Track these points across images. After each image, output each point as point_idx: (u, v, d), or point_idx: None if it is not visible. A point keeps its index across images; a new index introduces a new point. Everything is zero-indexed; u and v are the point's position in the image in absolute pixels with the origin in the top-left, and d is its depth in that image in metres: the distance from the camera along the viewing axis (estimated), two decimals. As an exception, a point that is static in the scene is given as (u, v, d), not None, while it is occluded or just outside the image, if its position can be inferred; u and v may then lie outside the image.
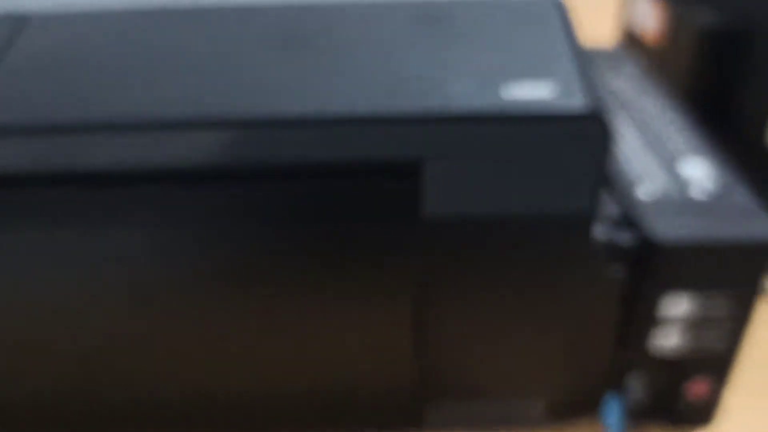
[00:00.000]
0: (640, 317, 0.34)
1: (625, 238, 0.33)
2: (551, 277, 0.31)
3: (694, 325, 0.34)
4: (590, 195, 0.28)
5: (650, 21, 0.72)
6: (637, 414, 0.38)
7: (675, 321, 0.34)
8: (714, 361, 0.36)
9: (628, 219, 0.34)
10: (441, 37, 0.29)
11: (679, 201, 0.34)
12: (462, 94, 0.27)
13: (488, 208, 0.29)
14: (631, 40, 0.77)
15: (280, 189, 0.29)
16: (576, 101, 0.26)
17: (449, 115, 0.26)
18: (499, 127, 0.26)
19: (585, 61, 0.28)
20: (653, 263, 0.32)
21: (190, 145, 0.27)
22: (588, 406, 0.39)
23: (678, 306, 0.34)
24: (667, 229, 0.32)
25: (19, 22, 0.32)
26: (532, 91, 0.27)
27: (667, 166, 0.37)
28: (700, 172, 0.36)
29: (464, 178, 0.28)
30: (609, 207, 0.35)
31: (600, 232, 0.33)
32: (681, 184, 0.36)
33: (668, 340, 0.35)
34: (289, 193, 0.29)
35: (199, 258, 0.30)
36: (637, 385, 0.37)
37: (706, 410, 0.38)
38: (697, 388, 0.37)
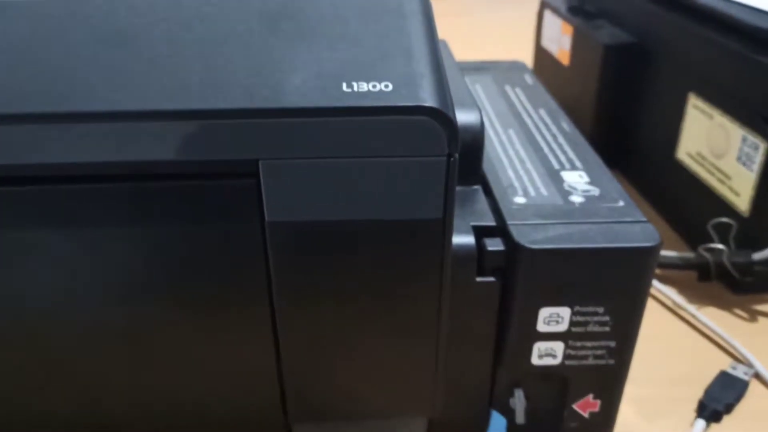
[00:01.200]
0: (518, 332, 0.32)
1: (494, 244, 0.31)
2: (412, 286, 0.29)
3: (577, 338, 0.33)
4: (441, 198, 0.26)
5: (559, 41, 0.72)
6: (523, 435, 0.36)
7: (555, 335, 0.33)
8: (602, 377, 0.34)
9: (501, 226, 0.32)
10: (286, 33, 0.27)
11: (556, 208, 0.33)
12: (297, 90, 0.25)
13: (334, 214, 0.27)
14: (544, 60, 0.77)
15: (113, 190, 0.26)
16: (414, 95, 0.24)
17: (281, 111, 0.24)
18: (335, 122, 0.24)
19: (435, 58, 0.26)
20: (523, 270, 0.31)
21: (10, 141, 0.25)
22: (470, 426, 0.37)
23: (557, 318, 0.32)
24: (537, 234, 0.31)
25: None
26: (371, 87, 0.25)
27: (550, 176, 0.36)
28: (582, 184, 0.35)
29: (304, 181, 0.26)
30: (483, 215, 0.33)
31: (469, 239, 0.31)
32: (562, 192, 0.34)
33: (551, 355, 0.33)
34: (126, 194, 0.26)
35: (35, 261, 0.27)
36: (520, 404, 0.35)
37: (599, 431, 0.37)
38: (586, 406, 0.35)
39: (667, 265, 0.49)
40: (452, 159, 0.25)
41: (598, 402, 0.34)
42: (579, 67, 0.66)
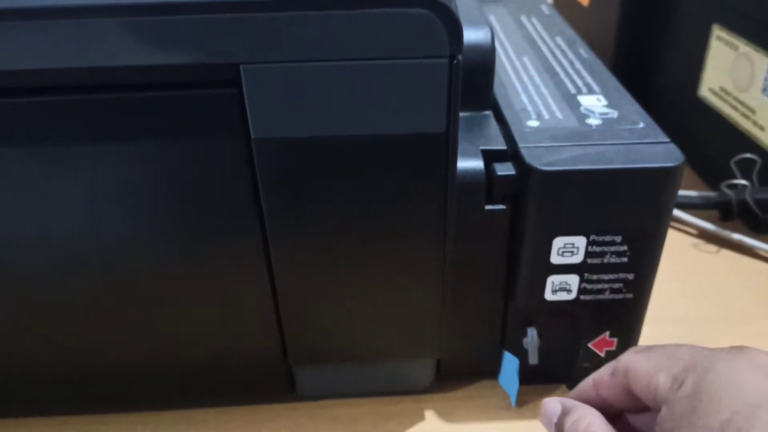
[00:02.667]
0: (531, 264, 0.30)
1: (504, 168, 0.29)
2: (414, 212, 0.27)
3: (593, 270, 0.30)
4: (443, 108, 0.24)
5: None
6: (536, 374, 0.34)
7: (570, 267, 0.30)
8: (620, 313, 0.32)
9: (513, 150, 0.30)
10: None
11: (572, 131, 0.30)
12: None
13: (327, 129, 0.25)
14: (562, 1, 0.74)
15: (77, 103, 0.24)
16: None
17: (262, 3, 0.22)
18: (324, 16, 0.22)
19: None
20: (535, 195, 0.28)
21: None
22: (481, 367, 0.35)
23: (571, 249, 0.30)
24: (551, 157, 0.28)
25: None
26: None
27: (565, 100, 0.33)
28: (600, 107, 0.33)
29: (292, 89, 0.23)
30: (494, 139, 0.31)
31: (478, 163, 0.29)
32: (578, 115, 0.32)
33: (565, 289, 0.31)
34: (93, 107, 0.24)
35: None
36: (533, 344, 0.33)
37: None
38: (602, 345, 0.33)
39: (688, 204, 0.47)
40: (455, 61, 0.22)
41: (615, 340, 0.32)
42: (599, 7, 0.63)
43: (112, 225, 0.26)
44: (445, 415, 0.33)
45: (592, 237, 0.29)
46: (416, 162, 0.25)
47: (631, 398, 0.25)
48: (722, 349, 0.23)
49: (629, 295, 0.31)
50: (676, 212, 0.47)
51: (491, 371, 0.34)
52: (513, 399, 0.33)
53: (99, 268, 0.28)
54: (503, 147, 0.29)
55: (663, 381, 0.23)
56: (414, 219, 0.27)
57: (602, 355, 0.33)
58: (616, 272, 0.30)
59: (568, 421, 0.26)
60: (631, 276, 0.30)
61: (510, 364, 0.33)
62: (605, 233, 0.29)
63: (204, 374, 0.33)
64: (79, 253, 0.27)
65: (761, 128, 0.44)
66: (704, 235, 0.47)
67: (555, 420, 0.27)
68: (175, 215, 0.26)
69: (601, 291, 0.31)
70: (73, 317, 0.29)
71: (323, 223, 0.27)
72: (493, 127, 0.31)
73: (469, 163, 0.28)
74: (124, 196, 0.26)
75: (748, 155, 0.44)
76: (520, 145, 0.29)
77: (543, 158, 0.28)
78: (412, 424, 0.33)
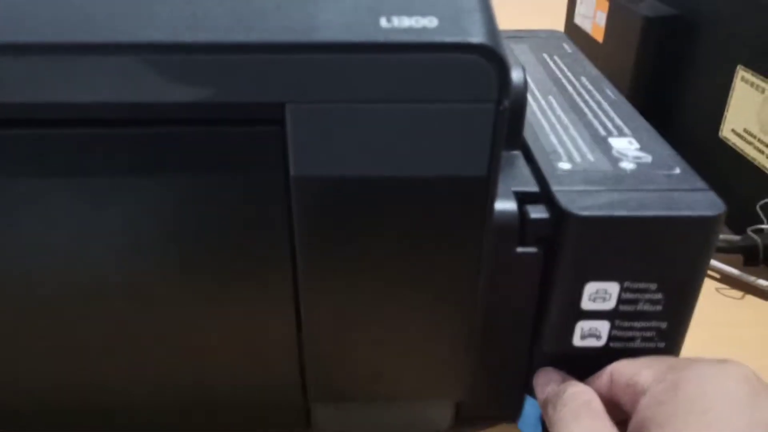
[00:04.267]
0: (561, 308, 0.30)
1: (538, 211, 0.28)
2: (448, 253, 0.27)
3: (625, 318, 0.30)
4: (486, 152, 0.23)
5: (594, 18, 0.69)
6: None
7: (601, 313, 0.30)
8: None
9: (546, 193, 0.29)
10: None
11: (606, 175, 0.30)
12: (329, 24, 0.22)
13: (367, 169, 0.24)
14: (576, 37, 0.74)
15: (122, 136, 0.24)
16: (463, 30, 0.21)
17: (311, 46, 0.22)
18: (372, 60, 0.22)
19: (484, 4, 0.23)
20: (569, 239, 0.28)
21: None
22: (502, 410, 0.34)
23: (603, 294, 0.29)
24: (585, 201, 0.28)
25: None
26: (414, 22, 0.22)
27: (596, 142, 0.33)
28: (633, 150, 0.32)
29: (335, 129, 0.23)
30: (525, 180, 0.30)
31: (511, 205, 0.29)
32: (611, 159, 0.31)
33: (594, 335, 0.30)
34: (137, 141, 0.24)
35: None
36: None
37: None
38: None
39: (711, 248, 0.46)
40: (502, 106, 0.22)
41: (644, 388, 0.31)
42: (615, 43, 0.63)
43: (145, 257, 0.26)
44: (464, 460, 0.33)
45: (626, 284, 0.28)
46: (455, 204, 0.24)
47: (613, 408, 0.27)
48: (705, 358, 0.25)
49: (661, 345, 0.30)
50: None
51: (513, 416, 0.34)
52: (536, 446, 0.32)
53: (127, 299, 0.27)
54: (536, 189, 0.29)
55: (645, 376, 0.25)
56: (448, 260, 0.26)
57: (629, 403, 0.32)
58: (649, 320, 0.29)
59: (569, 390, 0.27)
60: (664, 325, 0.29)
61: (533, 409, 0.32)
62: (640, 280, 0.28)
63: (220, 408, 0.32)
64: (109, 284, 0.26)
65: (788, 173, 0.44)
66: (728, 280, 0.46)
67: (551, 387, 0.26)
68: (207, 248, 0.26)
69: (632, 339, 0.30)
70: (96, 346, 0.29)
71: (355, 263, 0.26)
72: (524, 167, 0.31)
73: (502, 205, 0.28)
74: (158, 229, 0.25)
75: (774, 200, 0.43)
76: (554, 188, 0.28)
77: (578, 202, 0.27)
78: (431, 468, 0.32)
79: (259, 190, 0.24)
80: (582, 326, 0.29)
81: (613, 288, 0.28)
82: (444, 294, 0.27)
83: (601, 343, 0.30)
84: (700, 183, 0.28)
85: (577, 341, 0.30)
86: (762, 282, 0.44)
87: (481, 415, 0.34)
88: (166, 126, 0.23)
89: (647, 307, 0.29)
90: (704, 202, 0.27)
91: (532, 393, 0.32)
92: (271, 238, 0.26)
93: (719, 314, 0.42)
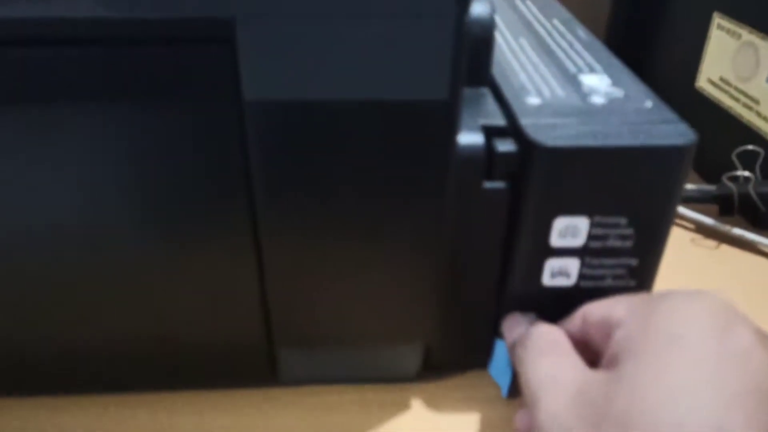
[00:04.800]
0: (529, 246, 0.29)
1: (505, 144, 0.27)
2: (411, 187, 0.26)
3: (595, 255, 0.29)
4: (446, 72, 0.22)
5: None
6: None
7: (570, 250, 0.29)
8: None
9: (514, 126, 0.28)
10: None
11: (576, 109, 0.29)
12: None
13: (324, 92, 0.23)
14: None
15: (58, 55, 0.22)
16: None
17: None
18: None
19: None
20: (537, 172, 0.27)
21: None
22: (472, 355, 0.33)
23: (573, 230, 0.28)
24: (554, 132, 0.27)
25: None
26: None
27: (566, 79, 0.32)
28: (604, 86, 0.31)
29: (290, 49, 0.22)
30: (492, 114, 0.29)
31: (477, 138, 0.27)
32: (581, 94, 0.30)
33: (564, 274, 0.29)
34: (75, 62, 0.22)
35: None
36: (528, 331, 0.31)
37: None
38: None
39: (686, 198, 0.46)
40: (461, 21, 0.20)
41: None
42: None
43: (90, 193, 0.24)
44: (432, 405, 0.32)
45: (596, 218, 0.27)
46: (416, 131, 0.23)
47: (584, 349, 0.26)
48: (680, 290, 0.24)
49: (632, 283, 0.29)
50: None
51: (482, 361, 0.33)
52: (504, 390, 0.32)
53: (78, 239, 0.26)
54: (503, 123, 0.28)
55: (618, 310, 0.25)
56: (411, 194, 0.25)
57: (600, 345, 0.31)
58: (620, 257, 0.28)
59: (536, 330, 0.27)
60: (634, 262, 0.28)
61: (502, 352, 0.32)
62: (610, 215, 0.27)
63: (183, 356, 0.31)
64: (56, 222, 0.25)
65: (765, 119, 0.43)
66: (703, 230, 0.45)
67: (519, 329, 0.28)
68: (156, 183, 0.24)
69: (602, 277, 0.29)
70: (50, 293, 0.27)
71: (315, 196, 0.25)
72: (492, 103, 0.30)
73: (469, 138, 0.27)
74: (103, 163, 0.24)
75: (750, 147, 0.43)
76: (522, 121, 0.27)
77: (547, 134, 0.26)
78: (397, 413, 0.31)
79: (211, 117, 0.23)
80: (551, 264, 0.29)
81: (582, 223, 0.27)
82: (408, 231, 0.26)
83: (571, 282, 0.29)
84: (672, 115, 0.28)
85: (546, 280, 0.29)
86: (737, 231, 0.43)
87: (451, 360, 0.33)
88: (106, 46, 0.22)
89: (617, 243, 0.28)
90: (675, 133, 0.26)
91: (502, 336, 0.32)
92: (225, 171, 0.24)
93: (694, 264, 0.42)
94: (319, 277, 0.28)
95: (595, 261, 0.28)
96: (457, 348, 0.32)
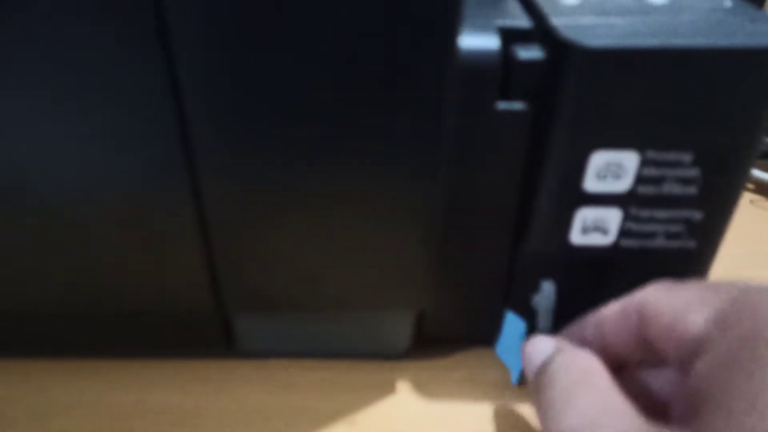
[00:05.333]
0: (555, 190, 0.21)
1: (528, 51, 0.20)
2: (397, 96, 0.18)
3: (644, 204, 0.22)
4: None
5: None
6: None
7: (611, 197, 0.21)
8: (677, 268, 0.23)
9: (541, 29, 0.21)
10: None
11: (626, 7, 0.21)
12: None
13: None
14: None
15: None
16: None
17: None
18: None
19: None
20: (570, 85, 0.19)
21: None
22: (476, 330, 0.26)
23: (616, 169, 0.21)
24: (597, 31, 0.19)
25: None
26: None
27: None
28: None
29: None
30: (514, 14, 0.22)
31: (490, 41, 0.20)
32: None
33: (600, 229, 0.22)
34: None
35: None
36: (546, 303, 0.24)
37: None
38: None
39: None
40: None
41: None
42: None
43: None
44: (422, 389, 0.25)
45: (649, 153, 0.20)
46: (402, 29, 0.16)
47: (642, 347, 0.18)
48: None
49: (691, 244, 0.22)
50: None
51: (488, 336, 0.26)
52: (514, 375, 0.25)
53: None
54: (527, 24, 0.20)
55: (699, 320, 0.16)
56: (395, 111, 0.18)
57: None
58: (679, 208, 0.21)
59: (559, 361, 0.18)
60: (699, 215, 0.21)
61: (514, 328, 0.25)
62: (669, 148, 0.20)
63: (123, 319, 0.24)
64: None
65: None
66: (764, 189, 0.38)
67: (541, 359, 0.18)
68: (70, 97, 0.18)
69: (651, 235, 0.22)
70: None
71: (265, 107, 0.18)
72: (515, 4, 0.22)
73: (477, 41, 0.19)
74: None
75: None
76: (554, 21, 0.20)
77: (587, 34, 0.19)
78: (377, 398, 0.25)
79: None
80: (584, 215, 0.21)
81: (630, 159, 0.20)
82: (391, 162, 0.19)
83: (608, 240, 0.22)
84: (759, 13, 0.20)
85: (576, 237, 0.22)
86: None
87: (448, 334, 0.26)
88: None
89: (677, 189, 0.21)
90: (761, 32, 0.18)
91: (514, 307, 0.25)
92: (148, 81, 0.17)
93: (755, 229, 0.34)
94: (276, 220, 0.21)
95: (645, 212, 0.21)
96: (457, 319, 0.25)
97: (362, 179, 0.20)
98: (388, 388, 0.25)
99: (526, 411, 0.24)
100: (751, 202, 0.37)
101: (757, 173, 0.37)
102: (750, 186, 0.38)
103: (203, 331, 0.25)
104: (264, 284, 0.23)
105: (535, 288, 0.24)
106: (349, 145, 0.19)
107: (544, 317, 0.24)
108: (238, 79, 0.18)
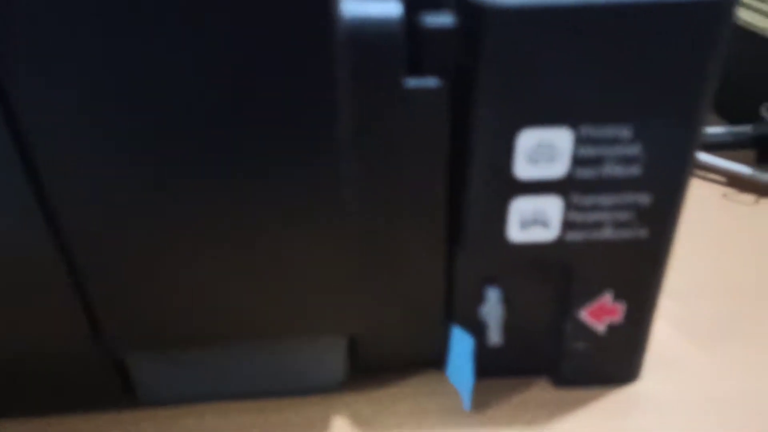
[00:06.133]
0: (482, 177, 0.19)
1: (438, 17, 0.17)
2: (277, 78, 0.16)
3: (585, 189, 0.19)
4: None
5: None
6: (502, 362, 0.23)
7: (547, 184, 0.19)
8: (628, 263, 0.20)
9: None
10: None
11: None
12: None
13: None
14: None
15: None
16: None
17: None
18: None
19: None
20: (489, 53, 0.17)
21: None
22: (420, 348, 0.23)
23: (548, 150, 0.18)
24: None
25: None
26: None
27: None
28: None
29: None
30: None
31: (391, 9, 0.17)
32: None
33: (541, 220, 0.19)
34: None
35: None
36: (494, 313, 0.21)
37: (621, 358, 0.23)
38: (600, 314, 0.22)
39: (714, 144, 0.35)
40: None
41: (621, 306, 0.21)
42: None
43: None
44: (364, 425, 0.22)
45: (584, 129, 0.17)
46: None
47: None
48: None
49: (643, 233, 0.19)
50: (700, 156, 0.35)
51: (437, 359, 0.23)
52: (466, 398, 0.22)
53: None
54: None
55: None
56: (277, 97, 0.15)
57: (602, 330, 0.21)
58: (623, 191, 0.18)
59: None
60: (646, 199, 0.18)
61: (461, 345, 0.22)
62: (605, 121, 0.17)
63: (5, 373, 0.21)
64: None
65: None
66: (738, 182, 0.35)
67: None
68: None
69: (598, 225, 0.19)
70: None
71: (117, 91, 0.15)
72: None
73: (376, 9, 0.17)
74: None
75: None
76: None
77: (502, -7, 0.16)
78: (312, 439, 0.21)
79: None
80: (520, 207, 0.19)
81: (562, 138, 0.17)
82: (284, 164, 0.17)
83: (551, 234, 0.19)
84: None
85: (515, 234, 0.19)
86: (782, 179, 0.33)
87: (389, 360, 0.23)
88: None
89: (619, 170, 0.18)
90: None
91: (461, 322, 0.22)
92: None
93: (728, 225, 0.32)
94: (156, 250, 0.18)
95: (587, 199, 0.18)
96: (398, 342, 0.22)
97: (253, 188, 0.17)
98: (323, 426, 0.22)
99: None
100: (724, 195, 0.34)
101: (729, 165, 0.35)
102: (721, 179, 0.36)
103: (94, 380, 0.22)
104: (152, 319, 0.20)
105: (480, 298, 0.21)
106: (227, 154, 0.16)
107: (493, 328, 0.21)
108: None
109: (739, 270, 0.29)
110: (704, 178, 0.36)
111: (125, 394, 0.22)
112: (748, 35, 0.38)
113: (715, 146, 0.36)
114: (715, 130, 0.36)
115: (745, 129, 0.35)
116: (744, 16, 0.38)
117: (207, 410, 0.22)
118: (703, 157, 0.36)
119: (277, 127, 0.16)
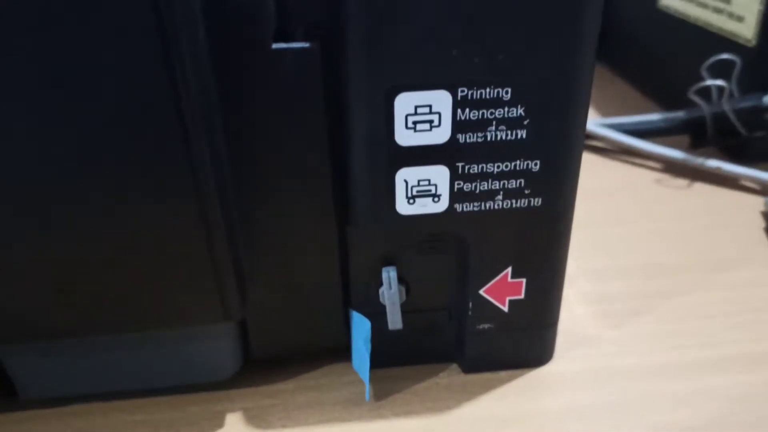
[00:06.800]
0: (363, 149, 0.18)
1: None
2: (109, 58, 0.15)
3: (471, 156, 0.18)
4: None
5: None
6: (403, 348, 0.22)
7: (431, 150, 0.18)
8: (524, 234, 0.19)
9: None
10: None
11: None
12: None
13: None
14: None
15: None
16: None
17: None
18: None
19: None
20: (357, 9, 0.16)
21: None
22: (316, 339, 0.22)
23: (427, 115, 0.17)
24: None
25: None
26: None
27: None
28: None
29: None
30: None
31: None
32: None
33: (429, 191, 0.18)
34: None
35: None
36: (392, 296, 0.20)
37: (530, 339, 0.22)
38: (501, 291, 0.20)
39: (648, 131, 0.35)
40: None
41: (522, 281, 0.20)
42: None
43: None
44: (258, 420, 0.21)
45: (462, 90, 0.16)
46: None
47: None
48: None
49: (536, 201, 0.18)
50: (635, 142, 0.34)
51: (340, 348, 0.22)
52: (367, 387, 0.20)
53: None
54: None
55: None
56: (110, 73, 0.14)
57: (505, 308, 0.20)
58: (511, 159, 0.17)
59: None
60: (535, 164, 0.17)
61: (360, 331, 0.20)
62: (484, 83, 0.16)
63: None
64: None
65: (739, 19, 0.33)
66: (672, 168, 0.34)
67: None
68: None
69: (489, 194, 0.18)
70: None
71: None
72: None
73: None
74: None
75: (724, 56, 0.32)
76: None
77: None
78: (202, 435, 0.20)
79: None
80: (406, 177, 0.18)
81: (441, 101, 0.16)
82: (120, 140, 0.15)
83: (441, 206, 0.18)
84: None
85: (403, 207, 0.18)
86: (712, 163, 0.32)
87: (285, 349, 0.22)
88: None
89: (503, 135, 0.17)
90: None
91: (358, 307, 0.20)
92: None
93: (663, 209, 0.31)
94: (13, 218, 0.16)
95: (474, 166, 0.17)
96: (292, 330, 0.21)
97: (101, 173, 0.16)
98: (214, 423, 0.21)
99: (382, 428, 0.20)
100: (658, 181, 0.34)
101: (663, 150, 0.34)
102: (656, 165, 0.35)
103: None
104: (10, 310, 0.18)
105: (378, 280, 0.20)
106: (63, 143, 0.15)
107: (392, 312, 0.20)
108: None
109: (663, 252, 0.28)
110: (639, 165, 0.35)
111: (7, 395, 0.21)
112: (679, 22, 0.38)
113: (650, 132, 0.35)
114: (649, 117, 0.36)
115: (678, 114, 0.35)
116: (674, 5, 0.38)
117: (93, 409, 0.21)
118: (637, 143, 0.35)
119: (116, 104, 0.15)
